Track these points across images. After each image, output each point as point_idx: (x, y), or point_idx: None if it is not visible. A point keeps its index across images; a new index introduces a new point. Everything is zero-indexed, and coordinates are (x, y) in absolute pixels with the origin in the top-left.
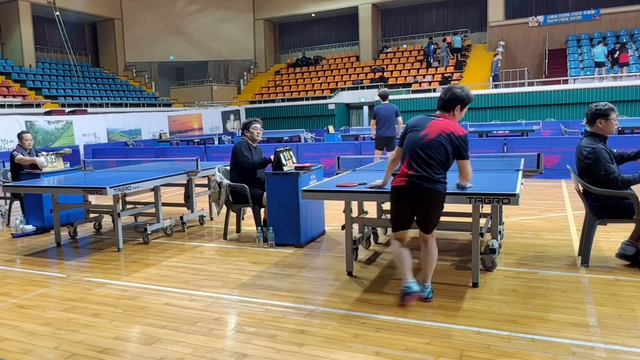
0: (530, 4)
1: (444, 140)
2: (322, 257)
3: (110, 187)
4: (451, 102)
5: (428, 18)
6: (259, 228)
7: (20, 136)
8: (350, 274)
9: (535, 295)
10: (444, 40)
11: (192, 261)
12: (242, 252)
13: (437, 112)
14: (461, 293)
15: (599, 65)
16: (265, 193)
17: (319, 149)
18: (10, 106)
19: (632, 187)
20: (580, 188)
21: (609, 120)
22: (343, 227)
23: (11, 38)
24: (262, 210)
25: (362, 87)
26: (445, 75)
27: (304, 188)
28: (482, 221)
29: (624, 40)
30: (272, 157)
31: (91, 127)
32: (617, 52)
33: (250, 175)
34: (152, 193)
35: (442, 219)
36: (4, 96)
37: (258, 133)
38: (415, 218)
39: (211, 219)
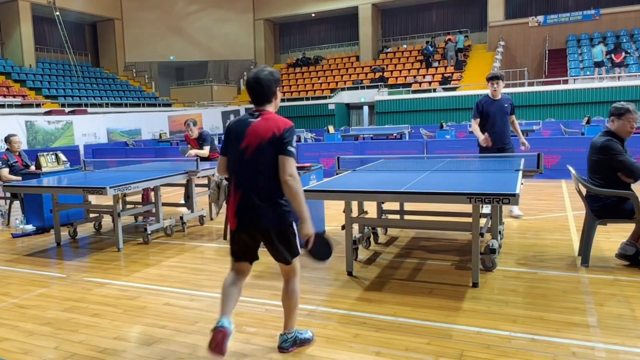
0: (530, 4)
1: (268, 150)
2: None
3: (110, 187)
4: (269, 88)
5: (428, 18)
6: None
7: (7, 140)
8: (350, 274)
9: (535, 295)
10: (449, 40)
11: (192, 261)
12: None
13: (253, 109)
14: (461, 293)
15: (598, 65)
16: None
17: (319, 149)
18: (10, 106)
19: (631, 187)
20: (581, 188)
21: (620, 120)
22: (343, 227)
23: (11, 38)
24: None
25: (362, 87)
26: (446, 75)
27: (304, 188)
28: (482, 221)
29: (623, 40)
30: None
31: (91, 127)
32: (613, 53)
33: None
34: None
35: (442, 218)
36: (4, 96)
37: None
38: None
39: (211, 219)
